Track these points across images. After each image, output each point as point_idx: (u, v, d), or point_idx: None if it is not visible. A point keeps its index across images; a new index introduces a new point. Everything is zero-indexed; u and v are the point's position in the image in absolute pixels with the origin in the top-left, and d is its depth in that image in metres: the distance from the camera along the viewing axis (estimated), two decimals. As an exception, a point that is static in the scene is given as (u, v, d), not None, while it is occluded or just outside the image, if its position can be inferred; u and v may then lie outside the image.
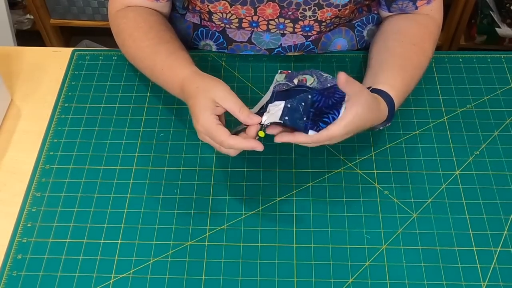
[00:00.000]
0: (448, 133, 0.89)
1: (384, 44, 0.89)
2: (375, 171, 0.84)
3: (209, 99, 0.75)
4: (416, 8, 0.91)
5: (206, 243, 0.78)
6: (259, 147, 0.72)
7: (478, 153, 0.86)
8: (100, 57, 1.00)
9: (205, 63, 0.98)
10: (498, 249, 0.77)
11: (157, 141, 0.88)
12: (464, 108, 0.92)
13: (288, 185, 0.83)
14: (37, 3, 1.78)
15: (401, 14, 0.93)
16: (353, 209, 0.80)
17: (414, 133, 0.89)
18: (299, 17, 0.90)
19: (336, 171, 0.84)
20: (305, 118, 0.72)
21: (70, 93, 0.95)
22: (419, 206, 0.81)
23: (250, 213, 0.80)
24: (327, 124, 0.71)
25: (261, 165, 0.85)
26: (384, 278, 0.74)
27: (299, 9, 0.88)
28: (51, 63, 1.00)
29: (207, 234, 0.78)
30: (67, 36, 2.04)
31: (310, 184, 0.83)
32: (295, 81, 0.79)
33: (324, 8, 0.88)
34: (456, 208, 0.80)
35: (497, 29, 1.79)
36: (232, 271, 0.75)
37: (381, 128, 0.82)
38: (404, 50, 0.87)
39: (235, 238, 0.78)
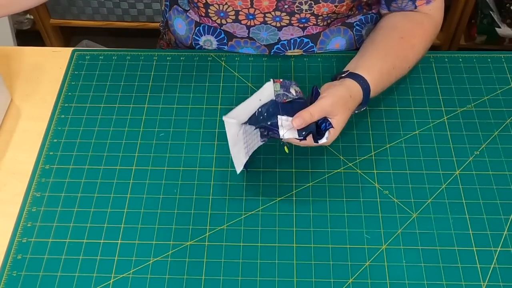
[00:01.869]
0: (448, 133, 0.89)
1: (372, 37, 0.91)
2: (375, 171, 0.84)
3: None
4: (416, 7, 0.92)
5: (206, 243, 0.78)
6: None
7: (478, 153, 0.86)
8: (100, 57, 1.00)
9: (205, 63, 0.98)
10: (498, 249, 0.77)
11: (157, 141, 0.88)
12: (464, 108, 0.92)
13: (288, 185, 0.83)
14: (37, 3, 1.78)
15: (399, 12, 0.93)
16: (353, 209, 0.80)
17: (414, 133, 0.89)
18: (295, 11, 0.91)
19: (336, 171, 0.85)
20: (314, 127, 0.77)
21: (70, 93, 0.95)
22: (419, 206, 0.81)
23: (250, 213, 0.80)
24: (325, 131, 0.77)
25: (261, 165, 0.85)
26: (384, 278, 0.74)
27: (295, 2, 0.89)
28: (51, 63, 1.00)
29: (207, 234, 0.78)
30: (67, 36, 2.04)
31: (310, 184, 0.83)
32: (292, 91, 0.80)
33: (320, 3, 0.88)
34: (456, 208, 0.80)
35: (497, 29, 1.79)
36: (232, 271, 0.75)
37: (356, 112, 0.84)
38: (390, 42, 0.88)
39: (235, 238, 0.78)
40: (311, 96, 0.80)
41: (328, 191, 0.82)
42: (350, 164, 0.85)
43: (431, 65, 0.98)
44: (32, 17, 1.89)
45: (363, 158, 0.86)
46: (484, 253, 0.76)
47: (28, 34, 1.94)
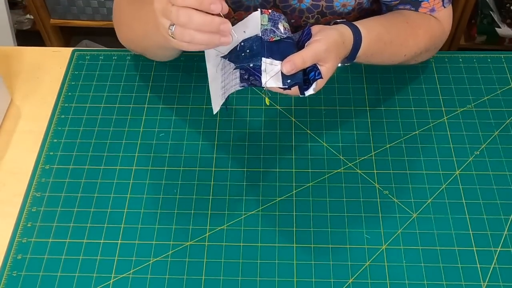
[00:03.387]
0: (448, 133, 0.89)
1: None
2: (375, 171, 0.84)
3: None
4: None
5: (206, 243, 0.78)
6: (218, 4, 0.62)
7: (478, 153, 0.86)
8: (100, 57, 1.00)
9: (205, 63, 0.98)
10: (498, 249, 0.77)
11: (157, 141, 0.88)
12: (464, 108, 0.92)
13: (288, 185, 0.83)
14: (37, 3, 1.78)
15: None
16: (353, 209, 0.80)
17: (414, 133, 0.89)
18: (302, 25, 0.90)
19: (336, 171, 0.84)
20: (301, 76, 0.68)
21: (70, 93, 0.95)
22: (419, 206, 0.81)
23: (250, 213, 0.80)
24: (313, 81, 0.69)
25: (261, 165, 0.85)
26: (384, 278, 0.74)
27: (302, 16, 0.88)
28: (51, 63, 1.00)
29: (207, 234, 0.78)
30: (67, 36, 2.04)
31: (310, 184, 0.83)
32: (281, 27, 0.71)
33: (327, 16, 0.87)
34: (456, 208, 0.80)
35: (497, 29, 1.79)
36: (232, 271, 0.75)
37: (340, 65, 0.77)
38: (395, 20, 0.85)
39: (235, 238, 0.78)
40: (302, 36, 0.73)
41: (328, 191, 0.82)
42: (350, 164, 0.85)
43: (431, 65, 0.98)
44: (32, 17, 1.89)
45: (363, 158, 0.86)
46: (484, 253, 0.76)
47: (28, 34, 1.94)
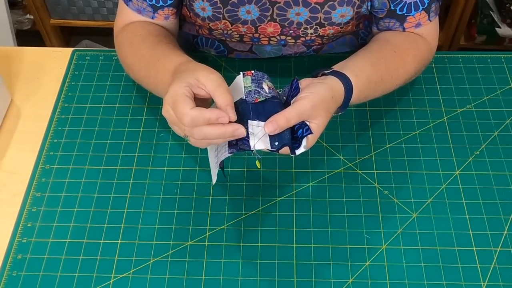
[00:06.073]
0: (448, 133, 0.89)
1: (365, 46, 0.86)
2: (375, 171, 0.84)
3: (192, 76, 0.67)
4: (404, 29, 0.87)
5: (206, 243, 0.78)
6: (226, 117, 0.64)
7: (478, 153, 0.86)
8: (100, 57, 1.00)
9: (205, 63, 0.98)
10: (498, 249, 0.77)
11: (157, 141, 0.88)
12: (464, 108, 0.92)
13: (288, 185, 0.83)
14: (37, 3, 1.78)
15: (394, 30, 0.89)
16: (353, 209, 0.80)
17: (414, 133, 0.89)
18: (301, 34, 0.89)
19: (336, 171, 0.85)
20: (288, 136, 0.67)
21: (70, 93, 0.95)
22: (419, 206, 0.81)
23: (250, 213, 0.80)
24: (302, 138, 0.68)
25: (261, 165, 0.85)
26: (384, 278, 0.74)
27: (301, 27, 0.87)
28: (51, 63, 1.00)
29: (207, 234, 0.78)
30: (67, 36, 2.04)
31: (310, 184, 0.83)
32: (265, 87, 0.70)
33: (326, 26, 0.86)
34: (456, 208, 0.80)
35: (497, 29, 1.79)
36: (232, 271, 0.75)
37: (333, 115, 0.75)
38: (382, 52, 0.83)
39: (235, 238, 0.78)
40: (290, 90, 0.71)
41: (328, 191, 0.82)
42: (350, 164, 0.85)
43: (431, 65, 0.98)
44: (32, 17, 1.89)
45: (363, 158, 0.86)
46: (484, 253, 0.76)
47: (28, 34, 1.94)
